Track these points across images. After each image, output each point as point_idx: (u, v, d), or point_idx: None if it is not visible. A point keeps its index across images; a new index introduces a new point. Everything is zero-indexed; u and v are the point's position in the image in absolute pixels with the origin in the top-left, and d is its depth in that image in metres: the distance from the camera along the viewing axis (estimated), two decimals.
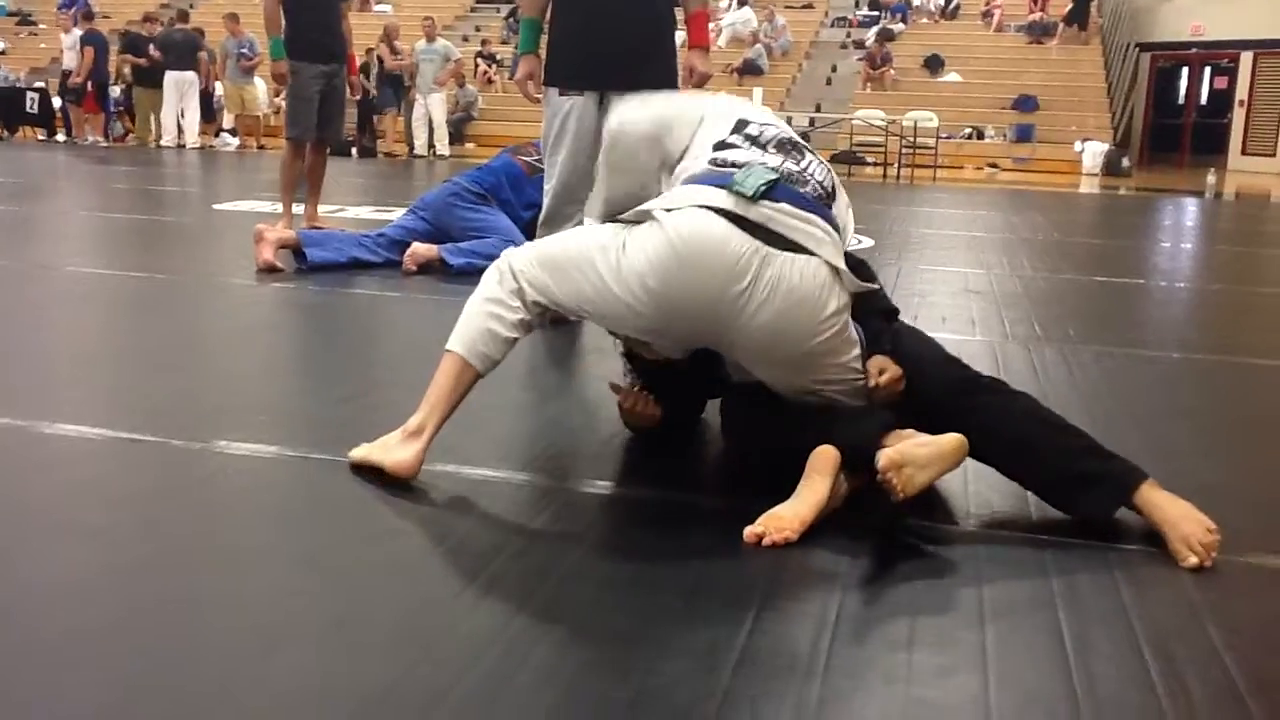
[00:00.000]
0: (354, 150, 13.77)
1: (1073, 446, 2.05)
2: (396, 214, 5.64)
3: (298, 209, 5.90)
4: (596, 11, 3.50)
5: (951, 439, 1.93)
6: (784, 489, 1.96)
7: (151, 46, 13.91)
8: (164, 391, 2.81)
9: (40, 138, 15.18)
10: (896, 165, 13.12)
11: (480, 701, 1.36)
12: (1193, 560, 1.85)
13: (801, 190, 2.05)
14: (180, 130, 13.83)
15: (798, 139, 2.22)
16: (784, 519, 1.88)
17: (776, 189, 1.99)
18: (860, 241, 6.30)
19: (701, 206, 1.96)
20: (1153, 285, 5.37)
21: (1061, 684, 1.46)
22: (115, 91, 15.31)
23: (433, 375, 2.17)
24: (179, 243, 5.99)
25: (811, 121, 14.90)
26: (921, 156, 13.24)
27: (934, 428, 1.99)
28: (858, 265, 2.18)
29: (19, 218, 6.82)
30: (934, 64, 17.29)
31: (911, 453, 1.87)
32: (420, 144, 14.28)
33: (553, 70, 3.59)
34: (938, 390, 2.12)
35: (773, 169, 2.03)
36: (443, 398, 2.12)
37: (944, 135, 13.99)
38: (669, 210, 1.98)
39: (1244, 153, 17.64)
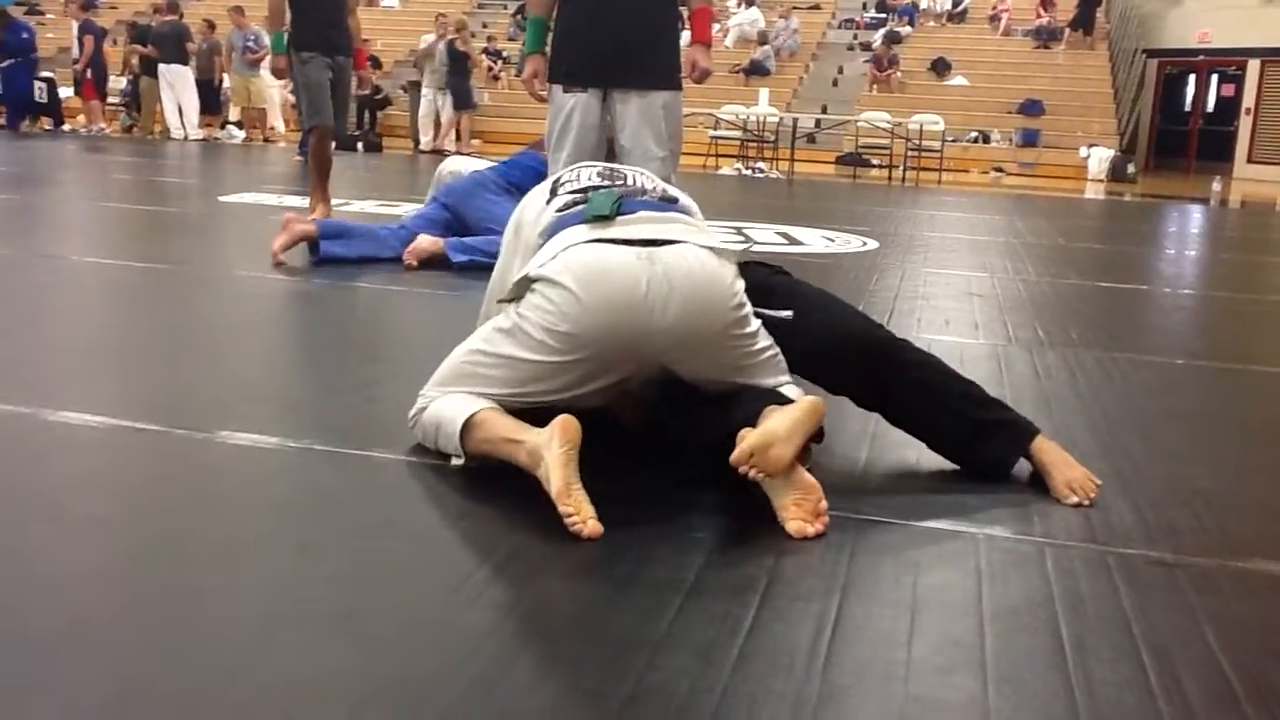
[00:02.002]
0: (359, 145, 13.78)
1: (974, 399, 2.26)
2: (402, 209, 5.65)
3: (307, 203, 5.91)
4: (599, 9, 3.50)
5: (806, 403, 2.00)
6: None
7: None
8: (167, 381, 2.81)
9: (47, 127, 15.20)
10: (902, 168, 13.12)
11: (478, 694, 1.37)
12: (1073, 499, 2.09)
13: (645, 198, 2.20)
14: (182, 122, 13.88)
15: (614, 167, 2.38)
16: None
17: (624, 203, 2.12)
18: (865, 244, 6.30)
19: (572, 246, 2.04)
20: (1157, 291, 5.37)
21: (1060, 685, 1.46)
22: (122, 82, 15.36)
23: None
24: (184, 234, 6.00)
25: (817, 123, 14.90)
26: (927, 160, 13.23)
27: (831, 383, 2.29)
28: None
29: (24, 207, 6.83)
30: (940, 67, 17.29)
31: (772, 430, 1.90)
32: (426, 140, 14.27)
33: (555, 68, 3.60)
34: (834, 343, 2.25)
35: (606, 190, 2.17)
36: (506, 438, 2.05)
37: (950, 139, 13.98)
38: (543, 265, 2.05)
39: (1250, 160, 17.65)
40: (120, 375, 2.92)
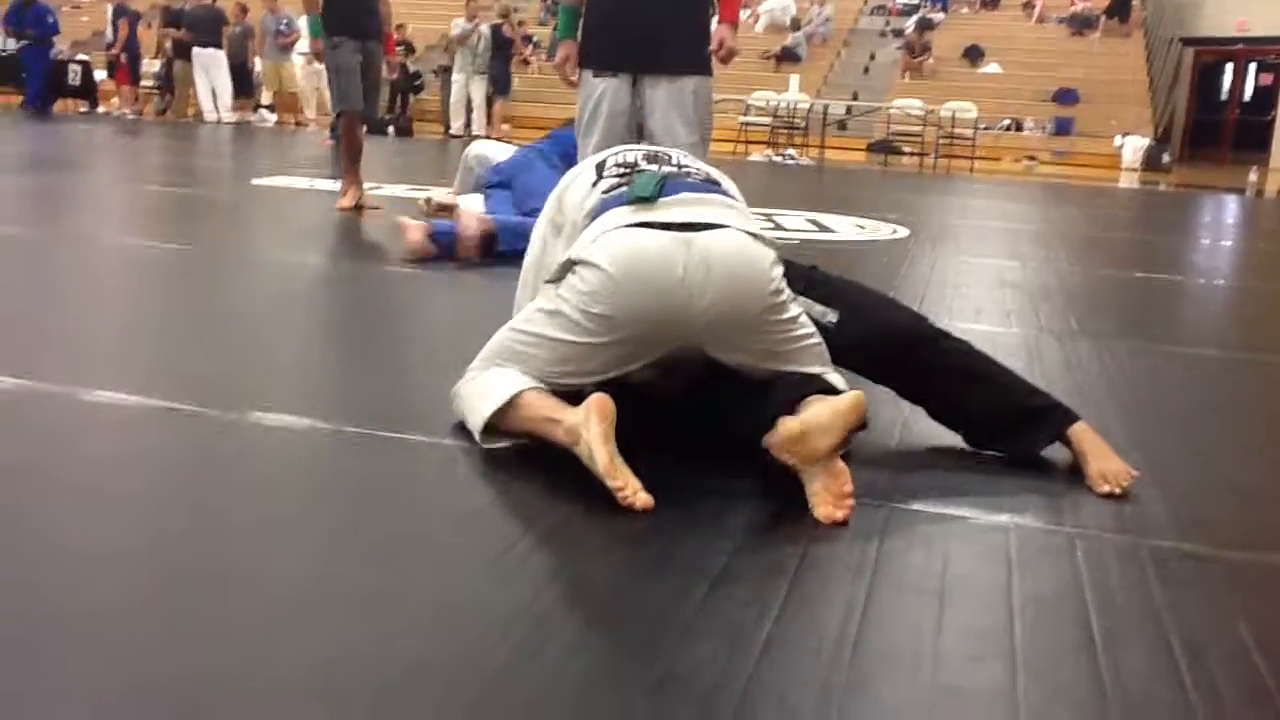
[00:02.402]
0: (390, 129, 13.82)
1: (1014, 387, 2.29)
2: (433, 192, 5.66)
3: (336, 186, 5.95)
4: None
5: (850, 396, 1.99)
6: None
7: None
8: (200, 361, 2.83)
9: (82, 109, 15.34)
10: (934, 155, 13.03)
11: (507, 677, 1.37)
12: (1105, 488, 2.10)
13: (688, 180, 2.21)
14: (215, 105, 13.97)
15: (657, 149, 2.39)
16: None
17: (667, 185, 2.13)
18: (895, 232, 6.27)
19: (612, 229, 2.06)
20: (1190, 282, 5.32)
21: (1090, 677, 1.45)
22: (156, 66, 15.47)
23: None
24: (216, 216, 6.04)
25: (848, 110, 14.82)
26: (959, 147, 13.14)
27: (875, 375, 2.31)
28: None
29: (59, 188, 6.90)
30: (974, 54, 17.14)
31: (814, 419, 1.91)
32: (457, 125, 14.28)
33: (585, 53, 3.60)
34: (877, 342, 2.28)
35: (650, 171, 2.18)
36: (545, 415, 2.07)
37: (982, 126, 13.87)
38: (585, 248, 2.07)
39: None
40: (153, 355, 2.95)
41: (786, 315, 2.11)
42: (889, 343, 2.29)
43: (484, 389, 2.15)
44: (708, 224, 2.07)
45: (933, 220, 7.11)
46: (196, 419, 2.32)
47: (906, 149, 13.91)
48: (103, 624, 1.45)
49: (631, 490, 1.88)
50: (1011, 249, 5.87)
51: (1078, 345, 3.46)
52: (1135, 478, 2.14)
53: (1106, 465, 2.15)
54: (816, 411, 1.94)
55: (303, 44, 12.98)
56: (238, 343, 3.15)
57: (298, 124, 14.54)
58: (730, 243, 2.06)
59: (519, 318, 2.22)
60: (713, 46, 3.58)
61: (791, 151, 13.21)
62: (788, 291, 2.13)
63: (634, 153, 2.37)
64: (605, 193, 2.20)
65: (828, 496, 1.90)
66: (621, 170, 2.26)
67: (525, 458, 2.09)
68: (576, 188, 2.33)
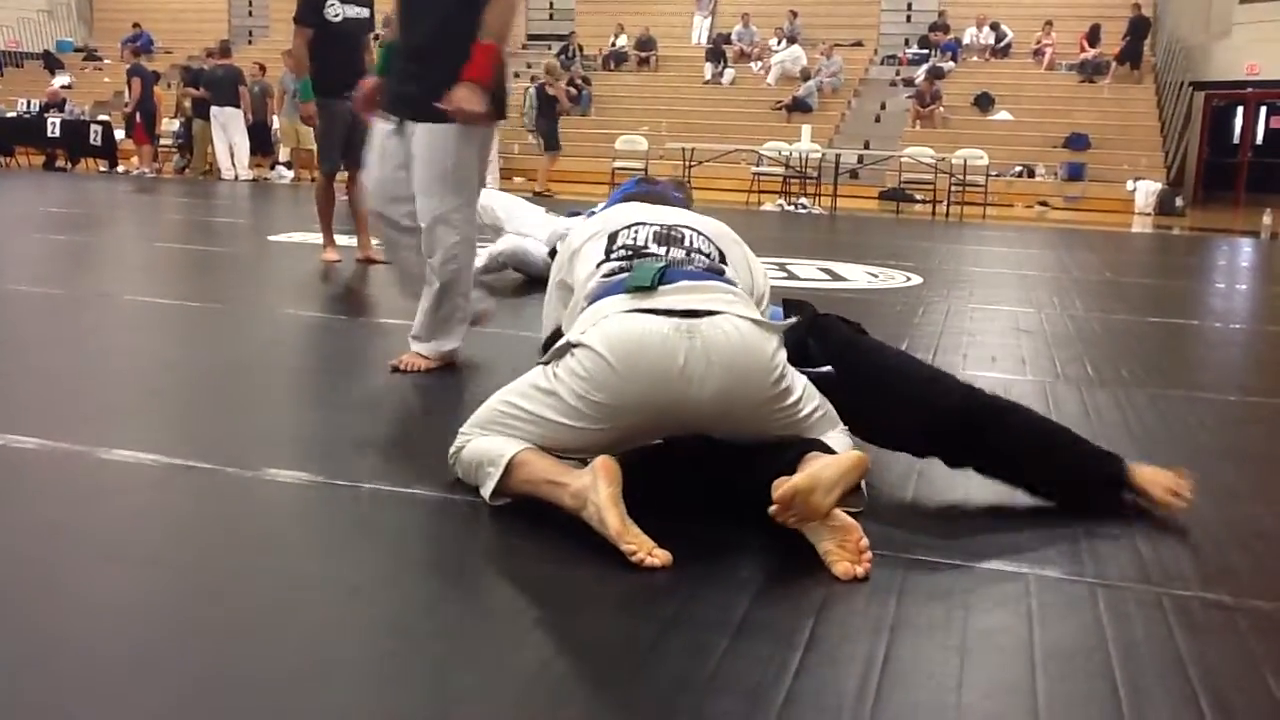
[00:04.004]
0: None
1: (1078, 452, 2.32)
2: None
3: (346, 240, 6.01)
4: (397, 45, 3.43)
5: (853, 456, 1.99)
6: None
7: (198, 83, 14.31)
8: (217, 419, 2.85)
9: (102, 169, 15.55)
10: (946, 203, 13.07)
11: None
12: (1178, 504, 2.20)
13: (690, 268, 2.19)
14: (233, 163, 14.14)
15: (672, 224, 2.35)
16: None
17: (668, 273, 2.12)
18: (908, 280, 6.27)
19: (610, 315, 2.05)
20: (1207, 326, 5.29)
21: None
22: (175, 125, 15.69)
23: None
24: (233, 273, 6.09)
25: (860, 158, 14.89)
26: (971, 194, 13.17)
27: (934, 451, 2.32)
28: (799, 304, 2.42)
29: (81, 247, 6.98)
30: (984, 102, 17.23)
31: (815, 476, 1.90)
32: (492, 180, 14.39)
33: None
34: (925, 417, 2.28)
35: (658, 258, 2.19)
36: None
37: (994, 173, 13.91)
38: (584, 333, 2.05)
39: None
40: (170, 413, 2.96)
41: (789, 400, 2.10)
42: (947, 419, 2.27)
43: (484, 453, 2.13)
44: (709, 310, 2.05)
45: (946, 267, 7.11)
46: (213, 476, 2.32)
47: (918, 197, 13.95)
48: (117, 681, 1.44)
49: (646, 551, 1.86)
50: (1026, 295, 5.86)
51: (1095, 392, 3.44)
52: (1187, 481, 2.24)
53: (1165, 482, 2.24)
54: (817, 468, 1.92)
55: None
56: (254, 399, 3.16)
57: (314, 180, 14.71)
58: (731, 330, 2.03)
59: (513, 390, 2.17)
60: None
61: (804, 200, 13.27)
62: (790, 374, 2.11)
63: (645, 230, 2.33)
64: (606, 276, 2.21)
65: (844, 553, 1.89)
66: (626, 253, 2.25)
67: (535, 511, 2.08)
68: (585, 260, 2.32)
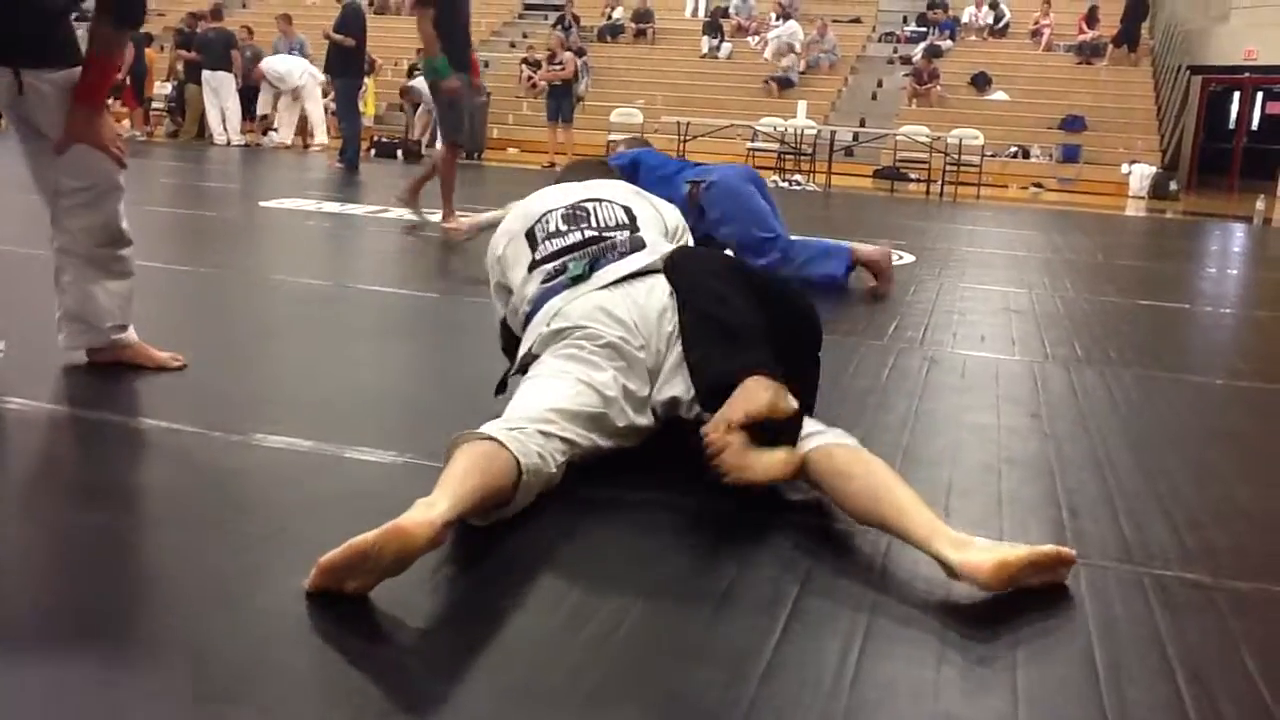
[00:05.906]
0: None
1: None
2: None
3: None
4: None
5: (782, 455, 1.95)
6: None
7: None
8: (205, 383, 2.84)
9: None
10: (940, 182, 13.05)
11: (512, 699, 1.37)
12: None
13: (610, 251, 2.38)
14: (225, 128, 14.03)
15: (577, 200, 2.51)
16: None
17: (598, 263, 2.33)
18: (901, 258, 6.27)
19: (563, 309, 2.24)
20: (1198, 310, 5.30)
21: (1093, 708, 1.44)
22: (167, 88, 15.57)
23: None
24: (224, 238, 6.06)
25: (855, 136, 14.85)
26: (965, 174, 13.14)
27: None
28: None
29: None
30: (981, 82, 17.18)
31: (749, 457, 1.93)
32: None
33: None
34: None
35: (580, 253, 2.37)
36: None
37: (989, 153, 13.89)
38: (549, 324, 2.23)
39: None
40: (159, 377, 2.95)
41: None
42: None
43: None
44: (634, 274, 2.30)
45: (938, 246, 7.10)
46: (201, 439, 2.32)
47: (913, 175, 13.93)
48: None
49: (313, 587, 1.59)
50: (1017, 276, 5.86)
51: (1083, 373, 3.45)
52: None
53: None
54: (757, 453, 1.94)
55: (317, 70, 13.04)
56: (242, 364, 3.15)
57: (306, 147, 14.59)
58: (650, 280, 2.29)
59: (527, 392, 2.13)
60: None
61: (798, 177, 13.23)
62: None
63: (554, 216, 2.47)
64: (544, 283, 2.35)
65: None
66: (551, 252, 2.40)
67: (546, 496, 2.07)
68: (513, 264, 2.46)
